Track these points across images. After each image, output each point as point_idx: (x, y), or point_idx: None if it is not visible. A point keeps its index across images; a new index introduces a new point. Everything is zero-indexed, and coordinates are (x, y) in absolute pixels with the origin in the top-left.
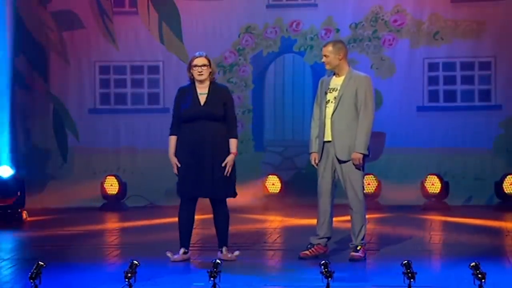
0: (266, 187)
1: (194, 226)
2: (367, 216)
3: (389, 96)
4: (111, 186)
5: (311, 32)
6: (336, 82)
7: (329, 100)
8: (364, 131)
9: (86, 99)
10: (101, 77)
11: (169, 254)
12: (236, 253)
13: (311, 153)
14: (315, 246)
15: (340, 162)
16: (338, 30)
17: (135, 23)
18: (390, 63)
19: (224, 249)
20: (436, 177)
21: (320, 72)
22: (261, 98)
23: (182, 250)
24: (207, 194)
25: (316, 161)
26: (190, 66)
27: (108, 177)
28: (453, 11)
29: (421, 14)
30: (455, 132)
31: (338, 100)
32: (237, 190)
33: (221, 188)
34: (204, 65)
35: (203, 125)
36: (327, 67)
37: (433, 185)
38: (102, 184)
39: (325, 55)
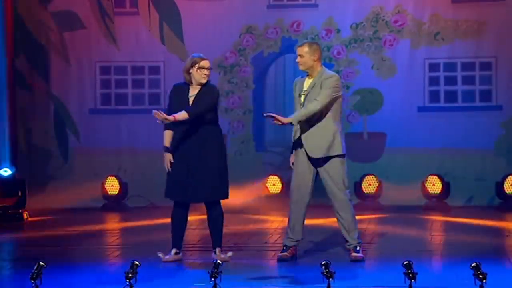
0: (267, 187)
1: (187, 227)
2: (367, 216)
3: (390, 96)
4: (112, 186)
5: (311, 32)
6: (308, 83)
7: (303, 103)
8: (305, 111)
9: (86, 99)
10: (102, 77)
11: (160, 255)
12: (229, 254)
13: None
14: (290, 248)
15: (315, 160)
16: (338, 31)
17: (136, 23)
18: (391, 64)
19: (217, 250)
20: (437, 177)
21: None
22: (262, 98)
23: (174, 251)
24: (197, 199)
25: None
26: (192, 67)
27: (109, 177)
28: (454, 11)
29: (422, 15)
30: (456, 132)
31: (305, 100)
32: (237, 191)
33: (210, 191)
34: (210, 68)
35: (190, 127)
36: (301, 67)
37: (434, 185)
38: (103, 184)
39: (300, 55)
